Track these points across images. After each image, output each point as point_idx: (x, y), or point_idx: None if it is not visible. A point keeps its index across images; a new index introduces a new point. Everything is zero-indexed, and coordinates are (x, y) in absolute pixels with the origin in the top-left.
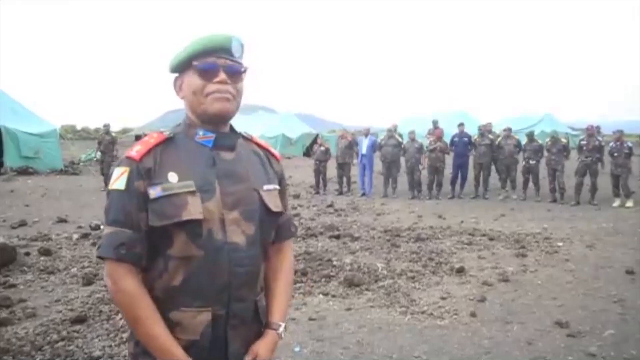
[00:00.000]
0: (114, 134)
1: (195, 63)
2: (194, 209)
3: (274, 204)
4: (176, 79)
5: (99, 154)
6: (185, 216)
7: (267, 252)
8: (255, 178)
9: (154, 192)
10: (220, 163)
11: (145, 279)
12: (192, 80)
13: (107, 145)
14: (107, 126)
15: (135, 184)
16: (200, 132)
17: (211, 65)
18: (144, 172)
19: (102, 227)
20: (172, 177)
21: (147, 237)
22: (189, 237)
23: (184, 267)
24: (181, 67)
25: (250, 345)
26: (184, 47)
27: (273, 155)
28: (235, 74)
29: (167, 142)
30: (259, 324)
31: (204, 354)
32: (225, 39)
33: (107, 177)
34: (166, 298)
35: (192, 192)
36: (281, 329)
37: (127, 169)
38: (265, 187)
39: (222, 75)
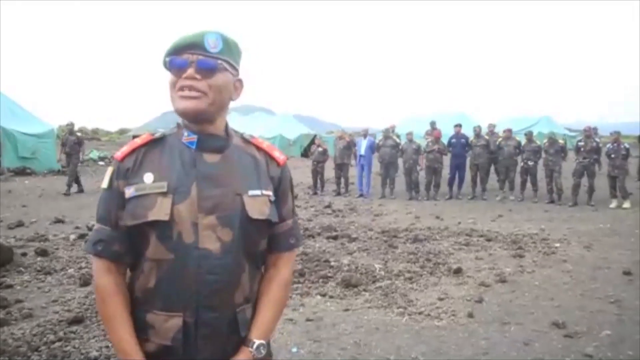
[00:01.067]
0: (79, 134)
1: (167, 59)
2: (160, 210)
3: (258, 211)
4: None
5: (63, 156)
6: (151, 217)
7: (266, 262)
8: (240, 182)
9: (128, 192)
10: (201, 165)
11: (130, 279)
12: (170, 77)
13: (72, 146)
14: (70, 125)
15: (115, 183)
16: (185, 133)
17: (181, 61)
18: (124, 172)
19: None
20: (148, 177)
21: (127, 236)
22: (159, 239)
23: (156, 269)
24: (164, 66)
25: (226, 357)
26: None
27: (274, 159)
28: (208, 69)
29: (153, 143)
30: (239, 337)
31: (177, 358)
32: (197, 35)
33: (75, 181)
34: (143, 299)
35: (164, 194)
36: (256, 346)
37: (112, 168)
38: (251, 192)
39: (189, 71)
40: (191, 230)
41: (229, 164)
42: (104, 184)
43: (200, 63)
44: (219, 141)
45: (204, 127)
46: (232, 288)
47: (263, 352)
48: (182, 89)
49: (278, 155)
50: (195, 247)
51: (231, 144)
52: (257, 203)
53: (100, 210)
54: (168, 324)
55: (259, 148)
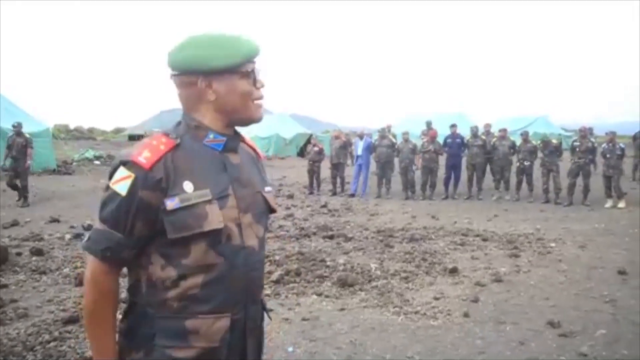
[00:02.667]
0: (27, 135)
1: (247, 69)
2: (214, 219)
3: (275, 205)
4: (201, 78)
5: (8, 160)
6: (207, 227)
7: None
8: (256, 180)
9: (171, 203)
10: (230, 167)
11: (154, 288)
12: (239, 84)
13: (19, 149)
14: (17, 126)
15: (139, 193)
16: (211, 135)
17: (257, 71)
18: (153, 182)
19: (93, 225)
20: (188, 186)
21: (138, 244)
22: (209, 245)
23: (203, 274)
24: (222, 70)
25: (260, 348)
26: (222, 49)
27: (258, 154)
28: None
29: (176, 148)
30: (263, 326)
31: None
32: (257, 45)
33: (21, 189)
34: (181, 307)
35: (209, 201)
36: None
37: (133, 175)
38: (266, 188)
39: (262, 81)
40: (236, 231)
41: (244, 162)
42: (120, 188)
43: (258, 73)
44: (236, 141)
45: (229, 130)
46: (262, 281)
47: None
48: (257, 99)
49: (259, 150)
50: (242, 247)
51: (240, 142)
52: (271, 197)
53: (110, 212)
54: (216, 326)
55: (248, 144)
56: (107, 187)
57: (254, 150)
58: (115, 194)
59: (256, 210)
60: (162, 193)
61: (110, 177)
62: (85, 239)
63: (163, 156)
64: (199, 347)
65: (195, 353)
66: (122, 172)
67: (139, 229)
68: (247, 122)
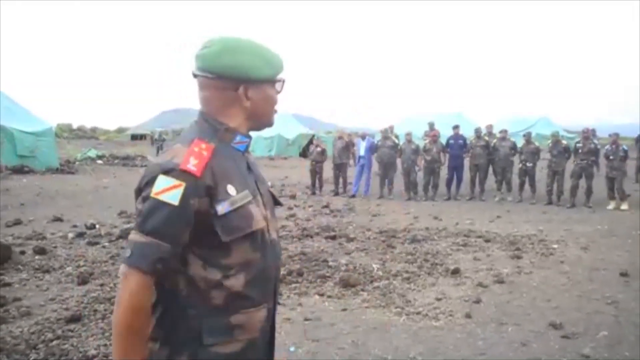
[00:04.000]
0: None
1: (280, 81)
2: (259, 218)
3: (279, 199)
4: (243, 86)
5: None
6: (255, 226)
7: None
8: (263, 177)
9: (222, 208)
10: (252, 167)
11: (196, 290)
12: (272, 93)
13: None
14: None
15: (191, 201)
16: (238, 137)
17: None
18: (204, 189)
19: (97, 226)
20: (231, 189)
21: (179, 252)
22: (251, 244)
23: (245, 271)
24: (260, 80)
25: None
26: (261, 60)
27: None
28: None
29: (215, 152)
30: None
31: (259, 352)
32: (282, 59)
33: None
34: (225, 305)
35: (250, 202)
36: None
37: (183, 183)
38: (269, 183)
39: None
40: (267, 227)
41: (253, 161)
42: (171, 198)
43: None
44: (249, 141)
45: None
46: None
47: None
48: (276, 104)
49: None
50: (271, 240)
51: None
52: (275, 192)
53: (159, 223)
54: (256, 318)
55: None
56: (148, 198)
57: None
58: (163, 204)
59: (271, 205)
60: (210, 199)
61: (145, 187)
62: (127, 254)
63: (208, 162)
64: (243, 340)
65: (240, 346)
66: (166, 181)
67: (185, 237)
68: (265, 127)
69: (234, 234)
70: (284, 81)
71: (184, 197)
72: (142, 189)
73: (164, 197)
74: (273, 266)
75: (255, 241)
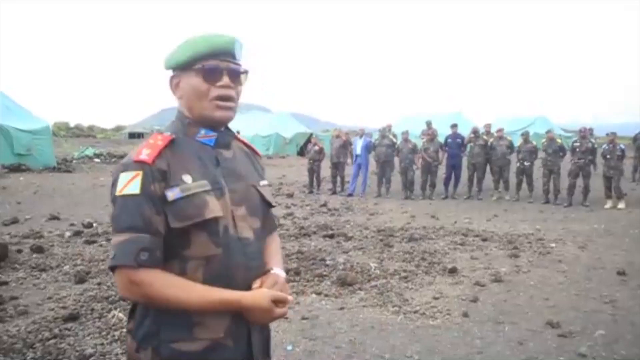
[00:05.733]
0: None
1: (199, 65)
2: (214, 207)
3: (271, 199)
4: (172, 77)
5: None
6: (208, 214)
7: None
8: (250, 174)
9: (172, 194)
10: (222, 162)
11: None
12: (194, 82)
13: None
14: None
15: (151, 187)
16: (202, 131)
17: (216, 67)
18: (160, 174)
19: (95, 224)
20: (187, 178)
21: (161, 242)
22: (209, 235)
23: (204, 266)
24: (181, 66)
25: (266, 344)
26: (184, 46)
27: (256, 152)
28: (238, 76)
29: (172, 143)
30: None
31: (228, 354)
32: (230, 42)
33: None
34: None
35: (208, 192)
36: (281, 273)
37: (140, 172)
38: (262, 182)
39: (225, 79)
40: (232, 223)
41: (237, 158)
42: (131, 189)
43: (233, 71)
44: (228, 137)
45: (218, 126)
46: (263, 270)
47: (284, 275)
48: (219, 98)
49: (256, 148)
50: (238, 237)
51: (233, 139)
52: (268, 192)
53: (131, 218)
54: (219, 318)
55: (244, 143)
56: (115, 199)
57: (249, 147)
58: (127, 197)
59: (250, 203)
60: (165, 184)
61: (112, 190)
62: (111, 257)
63: (162, 150)
64: (205, 340)
65: (201, 346)
66: (125, 176)
67: (159, 222)
68: (207, 123)
69: (184, 221)
70: (207, 67)
71: (144, 185)
72: (111, 192)
73: (126, 191)
74: (242, 266)
75: (214, 235)
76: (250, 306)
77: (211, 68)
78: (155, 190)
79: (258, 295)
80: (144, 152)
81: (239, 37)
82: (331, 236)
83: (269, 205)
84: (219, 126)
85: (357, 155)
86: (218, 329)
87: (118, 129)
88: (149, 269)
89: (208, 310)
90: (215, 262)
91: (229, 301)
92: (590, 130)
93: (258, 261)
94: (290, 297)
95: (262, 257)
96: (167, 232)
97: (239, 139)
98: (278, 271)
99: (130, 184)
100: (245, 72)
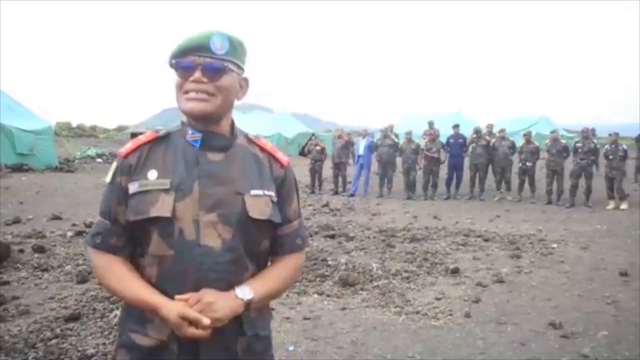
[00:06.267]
0: None
1: (174, 62)
2: (162, 207)
3: (259, 211)
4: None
5: None
6: (153, 213)
7: (265, 264)
8: (242, 182)
9: (132, 187)
10: (204, 163)
11: None
12: (175, 79)
13: None
14: None
15: (118, 179)
16: (190, 131)
17: (187, 63)
18: (127, 168)
19: None
20: (152, 174)
21: (126, 231)
22: (161, 235)
23: (157, 265)
24: (170, 65)
25: (231, 356)
26: (175, 45)
27: (277, 160)
28: (215, 71)
29: (158, 140)
30: (243, 335)
31: (172, 357)
32: (204, 37)
33: None
34: None
35: (166, 190)
36: (241, 294)
37: (116, 164)
38: (253, 192)
39: (196, 74)
40: (192, 227)
41: (231, 163)
42: (107, 178)
43: (207, 66)
44: (222, 140)
45: (209, 126)
46: (231, 283)
47: (249, 296)
48: (187, 91)
49: (282, 156)
50: (197, 244)
51: (235, 143)
52: (259, 203)
53: (102, 204)
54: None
55: (262, 149)
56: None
57: (272, 155)
58: (105, 185)
59: (226, 210)
60: (130, 178)
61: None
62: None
63: (140, 146)
64: (154, 338)
65: (151, 343)
66: (111, 166)
67: (122, 214)
68: (187, 117)
69: (137, 215)
70: (179, 63)
71: (114, 175)
72: None
73: (106, 180)
74: (196, 274)
75: (167, 236)
76: (164, 317)
77: (182, 64)
78: (121, 182)
79: (170, 308)
80: (127, 145)
81: (227, 30)
82: (333, 236)
83: (254, 217)
84: (195, 119)
85: (359, 156)
86: (164, 331)
87: (120, 129)
88: (101, 252)
89: (139, 307)
90: (166, 264)
91: (149, 305)
92: (593, 130)
93: (222, 274)
94: (205, 320)
95: (235, 272)
96: (130, 225)
97: (258, 144)
98: (238, 292)
99: (109, 173)
100: (222, 67)
